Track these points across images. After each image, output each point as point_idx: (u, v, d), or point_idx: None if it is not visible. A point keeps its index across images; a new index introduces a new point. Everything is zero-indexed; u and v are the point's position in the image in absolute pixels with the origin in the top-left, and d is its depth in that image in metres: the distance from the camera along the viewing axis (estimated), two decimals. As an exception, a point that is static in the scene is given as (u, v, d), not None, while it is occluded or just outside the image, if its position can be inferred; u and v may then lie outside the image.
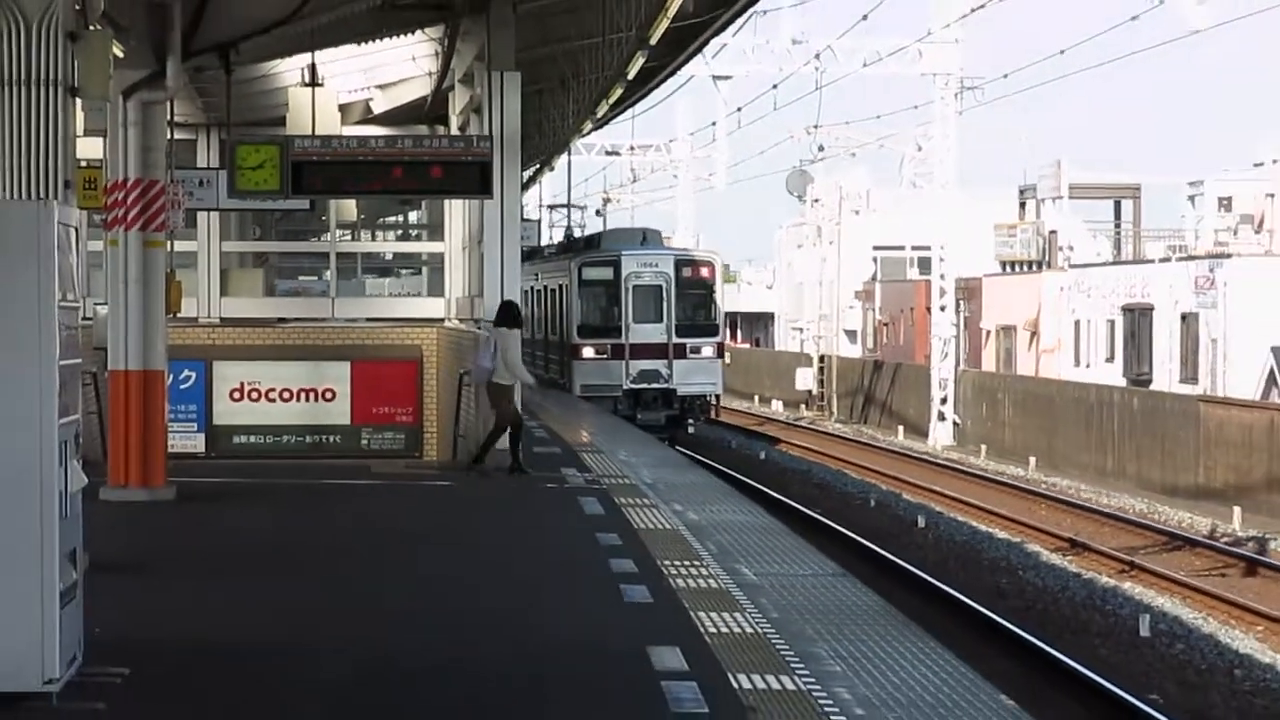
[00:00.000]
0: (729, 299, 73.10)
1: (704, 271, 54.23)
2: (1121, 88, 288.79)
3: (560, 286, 55.88)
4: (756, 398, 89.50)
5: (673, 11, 29.43)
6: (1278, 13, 50.10)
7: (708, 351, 52.71)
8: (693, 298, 53.41)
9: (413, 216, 54.80)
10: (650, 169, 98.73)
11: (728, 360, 63.16)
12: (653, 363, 51.32)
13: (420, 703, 14.84)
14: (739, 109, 74.47)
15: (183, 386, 30.95)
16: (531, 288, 59.76)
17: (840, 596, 19.07)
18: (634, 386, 51.44)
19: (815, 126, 75.27)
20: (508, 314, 28.84)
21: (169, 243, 27.92)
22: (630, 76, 37.28)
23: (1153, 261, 67.54)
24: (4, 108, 19.71)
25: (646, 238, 57.13)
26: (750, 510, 27.25)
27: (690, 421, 55.21)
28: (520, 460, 29.15)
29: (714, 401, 56.32)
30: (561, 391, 54.73)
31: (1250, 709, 23.91)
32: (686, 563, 20.80)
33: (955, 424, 65.00)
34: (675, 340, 51.64)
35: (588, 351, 51.39)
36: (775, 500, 41.46)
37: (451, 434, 31.60)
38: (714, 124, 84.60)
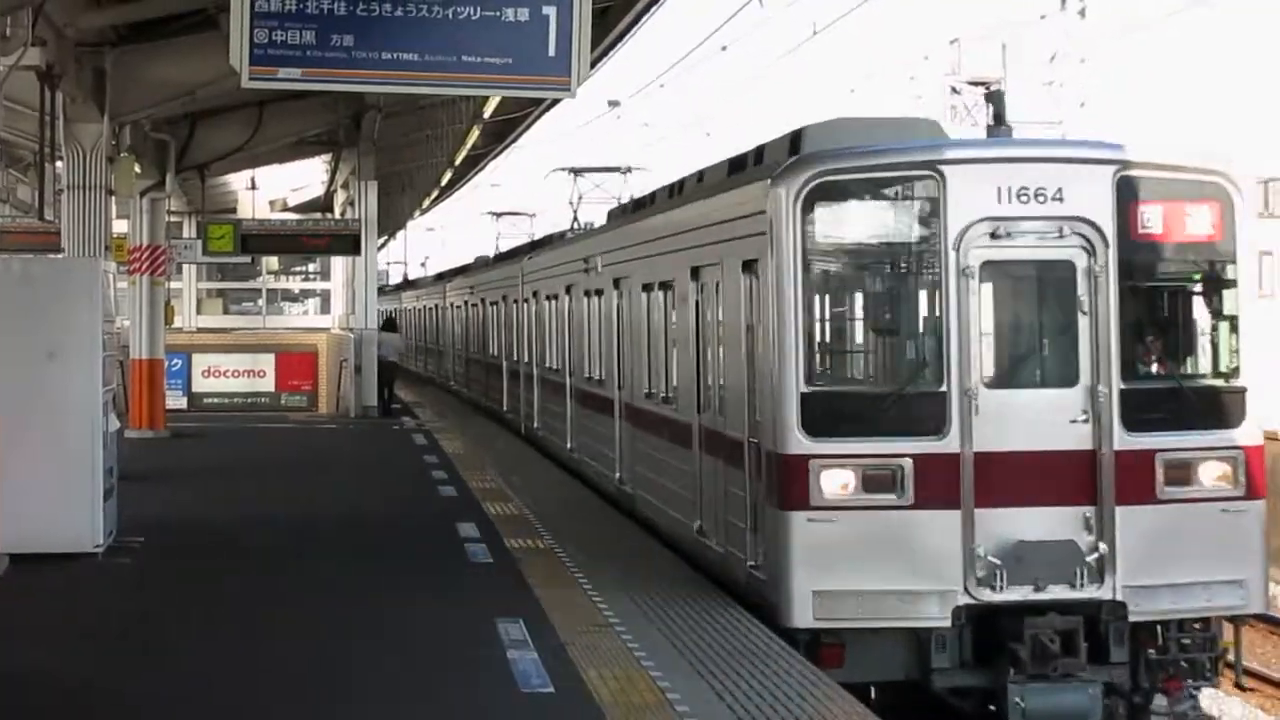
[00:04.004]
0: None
1: (1204, 221, 13.26)
2: None
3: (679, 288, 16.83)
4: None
5: (469, 145, 38.05)
6: None
7: (1218, 474, 13.17)
8: (1173, 300, 13.55)
9: (311, 266, 58.86)
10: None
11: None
12: (1042, 517, 12.89)
13: (328, 541, 18.13)
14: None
15: (174, 368, 35.18)
16: (475, 302, 38.18)
17: (571, 493, 22.16)
18: (985, 600, 12.77)
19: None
20: (389, 324, 38.05)
21: (166, 283, 33.22)
22: (442, 184, 47.36)
23: None
24: (70, 202, 24.66)
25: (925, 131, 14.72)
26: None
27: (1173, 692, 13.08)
28: (388, 406, 36.77)
29: (1233, 641, 13.40)
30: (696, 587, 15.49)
31: None
32: (479, 473, 24.23)
33: None
34: (1122, 435, 12.96)
35: (831, 479, 12.88)
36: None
37: (334, 396, 36.93)
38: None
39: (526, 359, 30.09)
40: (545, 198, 51.25)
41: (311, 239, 36.87)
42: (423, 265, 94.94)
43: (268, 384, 37.64)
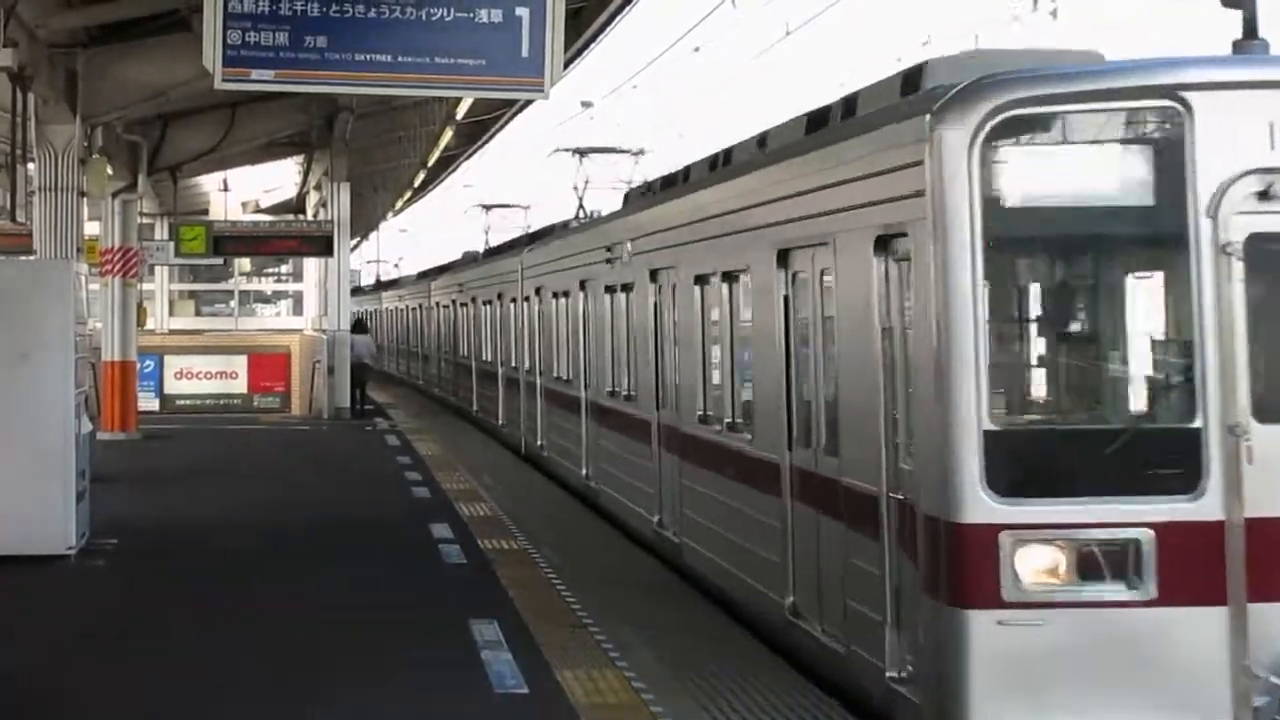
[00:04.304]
0: None
1: None
2: None
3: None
4: None
5: (442, 147, 38.11)
6: None
7: None
8: None
9: (283, 268, 58.37)
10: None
11: None
12: None
13: (301, 542, 17.98)
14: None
15: (145, 370, 35.02)
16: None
17: (545, 495, 22.17)
18: None
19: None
20: (359, 325, 38.32)
21: (139, 284, 33.11)
22: (415, 186, 47.24)
23: None
24: (42, 204, 24.33)
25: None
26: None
27: None
28: (361, 408, 36.81)
29: None
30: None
31: None
32: (450, 473, 24.25)
33: None
34: None
35: (1031, 560, 8.80)
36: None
37: (308, 397, 36.76)
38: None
39: (527, 366, 27.05)
40: (519, 195, 48.82)
41: (284, 240, 36.95)
42: (396, 266, 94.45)
43: (240, 386, 37.56)
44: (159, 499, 21.60)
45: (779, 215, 11.91)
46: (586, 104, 42.76)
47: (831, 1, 25.30)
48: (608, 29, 26.09)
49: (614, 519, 19.20)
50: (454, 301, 38.49)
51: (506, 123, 40.01)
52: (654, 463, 16.53)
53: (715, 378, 14.43)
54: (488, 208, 49.43)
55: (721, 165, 14.92)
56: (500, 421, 30.63)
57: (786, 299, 11.91)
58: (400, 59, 14.06)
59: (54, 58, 23.57)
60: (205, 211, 43.17)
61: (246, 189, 45.23)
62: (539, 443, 25.66)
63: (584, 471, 21.40)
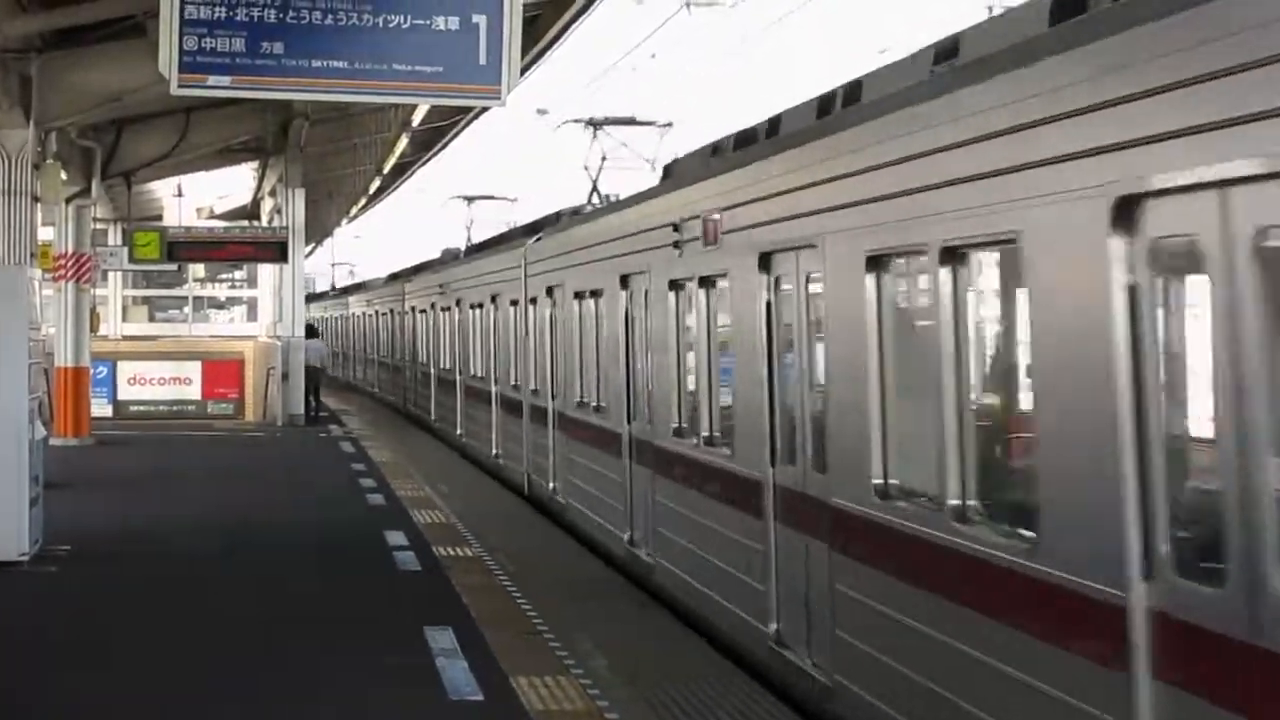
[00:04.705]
0: None
1: None
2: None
3: None
4: None
5: (398, 153, 38.15)
6: None
7: None
8: None
9: (237, 274, 58.19)
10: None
11: None
12: None
13: (255, 548, 17.96)
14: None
15: (99, 376, 34.87)
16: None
17: (500, 504, 22.37)
18: None
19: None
20: (310, 330, 38.02)
21: (92, 290, 32.94)
22: (370, 192, 47.63)
23: None
24: None
25: None
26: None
27: None
28: (315, 414, 36.88)
29: None
30: None
31: None
32: (406, 482, 24.13)
33: None
34: None
35: None
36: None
37: (261, 404, 36.70)
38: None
39: (532, 386, 22.64)
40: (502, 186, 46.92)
41: (238, 246, 36.32)
42: (351, 273, 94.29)
43: (194, 392, 37.42)
44: (112, 505, 21.52)
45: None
46: (542, 111, 41.54)
47: (788, 11, 25.01)
48: (564, 36, 25.95)
49: (684, 612, 14.54)
50: (433, 305, 35.74)
51: (462, 129, 39.77)
52: (763, 545, 11.83)
53: (896, 424, 9.55)
54: (470, 199, 44.92)
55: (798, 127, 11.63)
56: (494, 452, 26.70)
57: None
58: (357, 66, 14.04)
59: (7, 62, 23.34)
60: (159, 217, 43.13)
61: (201, 195, 45.18)
62: (554, 491, 21.13)
63: (627, 535, 16.74)
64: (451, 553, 17.04)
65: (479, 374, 28.32)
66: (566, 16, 24.66)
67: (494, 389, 26.37)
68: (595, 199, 24.82)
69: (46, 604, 14.61)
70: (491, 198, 45.40)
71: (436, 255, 42.78)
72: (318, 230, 64.72)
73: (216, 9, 13.66)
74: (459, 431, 31.23)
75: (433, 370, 35.81)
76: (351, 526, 19.39)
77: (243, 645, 12.83)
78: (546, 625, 13.10)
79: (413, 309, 39.42)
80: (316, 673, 11.71)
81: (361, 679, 11.50)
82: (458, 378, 31.28)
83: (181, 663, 12.19)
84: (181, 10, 13.61)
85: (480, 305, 27.35)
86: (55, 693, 11.34)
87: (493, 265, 26.83)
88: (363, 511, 20.86)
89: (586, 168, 26.54)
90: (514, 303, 24.29)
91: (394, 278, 49.26)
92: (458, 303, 31.09)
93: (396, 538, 18.07)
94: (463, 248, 39.20)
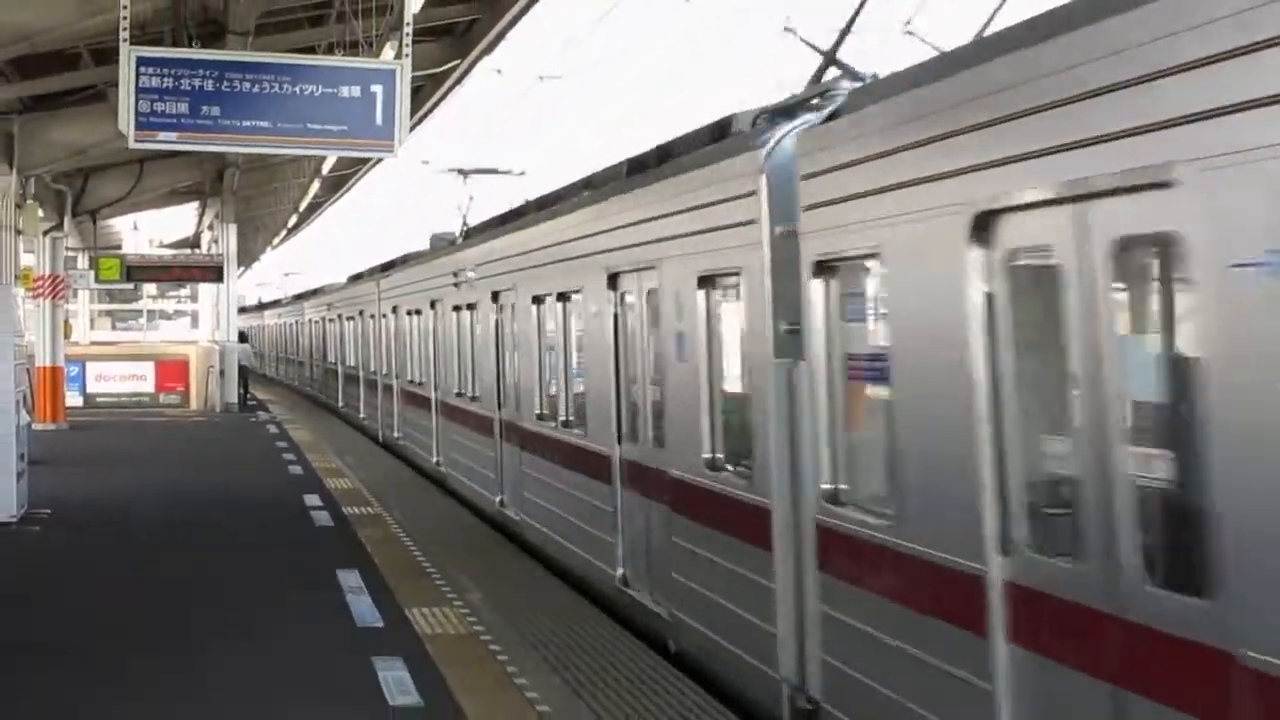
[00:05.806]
0: None
1: None
2: None
3: None
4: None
5: (310, 195, 38.22)
6: None
7: None
8: None
9: (183, 292, 55.77)
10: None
11: None
12: None
13: (200, 510, 17.75)
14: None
15: (72, 374, 34.34)
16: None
17: (397, 474, 21.57)
18: None
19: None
20: (241, 337, 38.07)
21: (65, 305, 32.75)
22: (289, 228, 48.86)
23: None
24: None
25: None
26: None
27: None
28: (245, 401, 36.87)
29: None
30: None
31: None
32: (320, 455, 23.92)
33: None
34: None
35: None
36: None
37: (204, 395, 36.27)
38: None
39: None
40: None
41: (183, 270, 36.36)
42: (280, 288, 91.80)
43: (148, 386, 36.79)
44: (84, 478, 21.11)
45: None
46: (463, 172, 38.90)
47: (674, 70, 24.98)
48: (443, 101, 26.12)
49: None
50: (323, 318, 36.83)
51: (363, 175, 39.32)
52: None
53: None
54: (464, 173, 33.24)
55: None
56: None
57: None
58: (279, 125, 14.01)
59: (-5, 122, 22.55)
60: (119, 246, 42.60)
61: (153, 229, 44.74)
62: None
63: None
64: (357, 511, 16.87)
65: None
66: (444, 88, 24.85)
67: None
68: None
69: (31, 556, 14.33)
70: (493, 171, 38.72)
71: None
72: (248, 257, 63.51)
73: (165, 79, 13.58)
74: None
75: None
76: (276, 491, 19.13)
77: (189, 585, 12.66)
78: (434, 568, 13.03)
79: (310, 320, 39.44)
80: (250, 605, 11.63)
81: (285, 611, 11.40)
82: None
83: (141, 602, 12.00)
84: (136, 80, 13.52)
85: (461, 308, 24.70)
86: (44, 615, 11.33)
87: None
88: (285, 479, 20.62)
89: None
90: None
91: (298, 297, 48.15)
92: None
93: (313, 499, 17.91)
94: (345, 278, 37.13)
